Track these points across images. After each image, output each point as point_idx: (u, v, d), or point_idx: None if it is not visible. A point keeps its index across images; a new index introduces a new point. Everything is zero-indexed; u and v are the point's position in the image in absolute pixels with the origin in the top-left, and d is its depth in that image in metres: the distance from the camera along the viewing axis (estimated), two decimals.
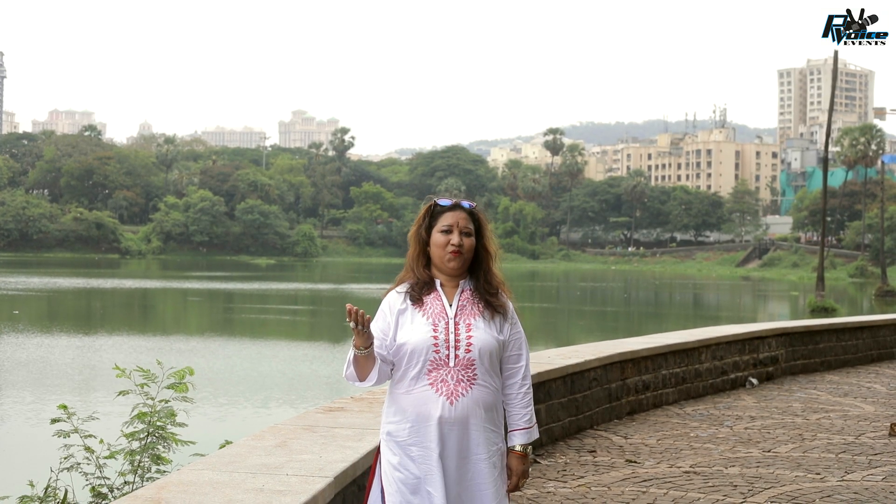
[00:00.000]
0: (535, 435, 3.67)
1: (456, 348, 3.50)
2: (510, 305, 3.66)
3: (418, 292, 3.56)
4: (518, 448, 3.65)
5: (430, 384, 3.48)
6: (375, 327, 3.55)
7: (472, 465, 3.53)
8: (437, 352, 3.49)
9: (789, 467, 7.35)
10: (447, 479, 3.49)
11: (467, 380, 3.49)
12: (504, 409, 3.66)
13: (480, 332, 3.52)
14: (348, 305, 3.33)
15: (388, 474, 3.53)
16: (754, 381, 11.77)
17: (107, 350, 25.13)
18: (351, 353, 3.47)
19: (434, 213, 3.62)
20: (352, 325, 3.33)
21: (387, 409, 3.59)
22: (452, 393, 3.47)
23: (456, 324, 3.53)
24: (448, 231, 3.56)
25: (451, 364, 3.49)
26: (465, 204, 3.64)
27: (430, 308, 3.55)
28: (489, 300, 3.59)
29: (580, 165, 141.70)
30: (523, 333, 3.69)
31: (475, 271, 3.62)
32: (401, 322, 3.55)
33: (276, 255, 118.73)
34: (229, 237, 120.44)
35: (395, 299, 3.60)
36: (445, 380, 3.48)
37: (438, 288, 3.59)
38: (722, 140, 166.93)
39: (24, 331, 29.88)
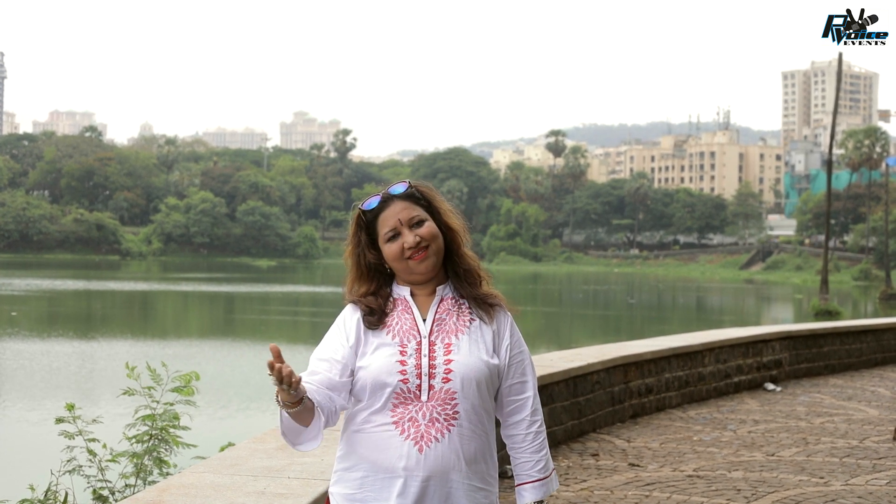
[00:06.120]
0: (555, 485, 2.80)
1: (430, 377, 2.63)
2: (502, 305, 2.79)
3: (376, 319, 2.71)
4: None
5: (394, 423, 2.61)
6: (326, 346, 2.73)
7: None
8: (404, 381, 2.62)
9: (793, 471, 7.32)
10: None
11: (444, 419, 2.61)
12: (510, 457, 2.81)
13: (464, 355, 2.66)
14: (272, 357, 2.44)
15: None
16: (773, 385, 11.74)
17: (107, 353, 25.12)
18: (280, 410, 2.57)
19: (368, 222, 2.75)
20: (273, 382, 2.46)
21: (339, 450, 2.77)
22: (423, 437, 2.60)
23: (431, 344, 2.67)
24: (395, 235, 2.71)
25: (424, 398, 2.62)
26: (396, 189, 2.75)
27: (398, 324, 2.70)
28: (476, 297, 2.75)
29: (583, 167, 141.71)
30: (527, 351, 2.81)
31: (449, 267, 2.79)
32: (360, 341, 2.70)
33: (278, 257, 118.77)
34: (230, 239, 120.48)
35: (351, 313, 2.76)
36: (415, 418, 2.61)
37: (408, 297, 2.74)
38: (725, 142, 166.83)
39: (23, 333, 29.86)
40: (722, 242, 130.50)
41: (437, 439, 2.60)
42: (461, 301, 2.75)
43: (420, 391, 2.62)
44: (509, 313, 2.80)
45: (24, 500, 6.56)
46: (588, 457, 7.77)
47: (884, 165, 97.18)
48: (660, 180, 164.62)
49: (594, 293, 69.18)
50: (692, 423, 9.35)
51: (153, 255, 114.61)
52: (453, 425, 2.62)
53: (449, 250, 2.76)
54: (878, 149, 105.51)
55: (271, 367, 2.43)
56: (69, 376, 21.19)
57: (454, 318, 2.71)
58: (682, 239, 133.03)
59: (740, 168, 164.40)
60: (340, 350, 2.69)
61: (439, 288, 2.76)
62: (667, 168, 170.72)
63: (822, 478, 7.13)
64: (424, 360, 2.64)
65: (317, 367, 2.70)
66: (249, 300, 51.00)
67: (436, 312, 2.72)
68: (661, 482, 6.92)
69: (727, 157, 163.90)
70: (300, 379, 2.50)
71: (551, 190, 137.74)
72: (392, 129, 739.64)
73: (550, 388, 7.95)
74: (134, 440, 6.76)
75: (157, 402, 6.85)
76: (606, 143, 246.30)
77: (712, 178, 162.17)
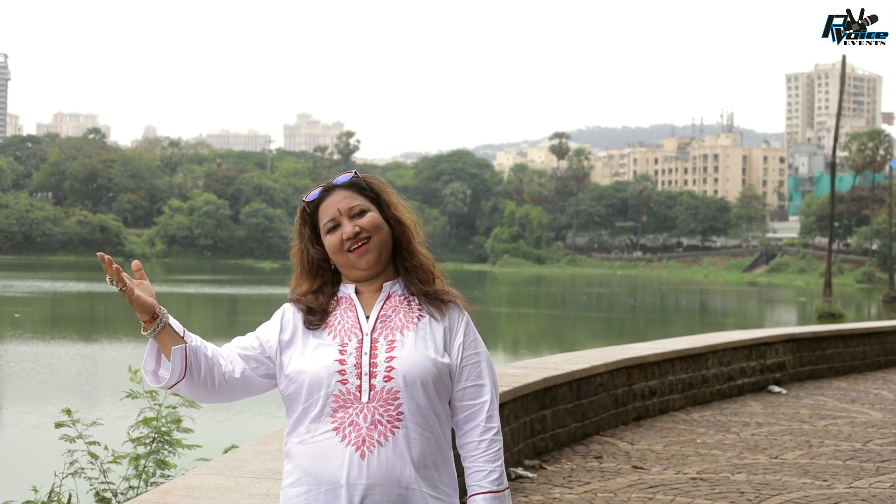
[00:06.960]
0: (509, 502, 2.53)
1: (371, 375, 2.42)
2: (456, 303, 2.58)
3: (317, 318, 2.53)
4: None
5: (335, 429, 2.41)
6: (258, 329, 2.61)
7: None
8: (343, 381, 2.42)
9: (796, 474, 7.31)
10: None
11: (388, 421, 2.40)
12: (463, 466, 2.55)
13: (408, 351, 2.45)
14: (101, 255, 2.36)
15: None
16: (776, 388, 11.73)
17: (110, 355, 25.13)
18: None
19: (312, 216, 2.62)
20: (108, 281, 2.38)
21: (284, 465, 2.54)
22: (365, 441, 2.39)
23: (373, 341, 2.46)
24: (335, 226, 2.55)
25: (365, 399, 2.41)
26: (340, 179, 2.60)
27: (340, 323, 2.51)
28: (427, 292, 2.55)
29: (586, 170, 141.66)
30: (486, 353, 2.57)
31: (400, 263, 2.59)
32: (298, 340, 2.53)
33: (281, 259, 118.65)
34: (234, 241, 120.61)
35: (294, 311, 2.58)
36: (355, 422, 2.40)
37: (353, 295, 2.55)
38: (729, 145, 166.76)
39: (26, 335, 29.87)
40: (725, 245, 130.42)
41: (380, 443, 2.39)
42: (411, 298, 2.56)
43: (360, 392, 2.42)
44: (466, 312, 2.58)
45: (27, 502, 6.58)
46: (591, 459, 7.77)
47: (887, 168, 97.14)
48: (663, 183, 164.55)
49: (597, 295, 69.15)
50: (695, 426, 9.34)
51: (157, 256, 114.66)
52: (398, 427, 2.41)
53: (399, 246, 2.57)
54: (881, 151, 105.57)
55: (103, 259, 2.35)
56: (72, 378, 21.19)
57: (401, 315, 2.51)
58: (685, 241, 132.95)
59: (744, 170, 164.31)
60: (267, 336, 2.56)
61: (386, 284, 2.56)
62: (670, 170, 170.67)
63: (825, 480, 7.12)
64: (365, 359, 2.44)
65: (241, 338, 2.59)
66: (253, 302, 51.00)
67: (381, 309, 2.52)
68: (664, 485, 6.92)
69: (731, 159, 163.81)
70: (120, 269, 2.38)
71: (554, 192, 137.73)
72: (395, 131, 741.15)
73: (554, 391, 7.96)
74: (137, 443, 6.78)
75: (160, 404, 6.86)
76: (610, 146, 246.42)
77: (716, 180, 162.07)
